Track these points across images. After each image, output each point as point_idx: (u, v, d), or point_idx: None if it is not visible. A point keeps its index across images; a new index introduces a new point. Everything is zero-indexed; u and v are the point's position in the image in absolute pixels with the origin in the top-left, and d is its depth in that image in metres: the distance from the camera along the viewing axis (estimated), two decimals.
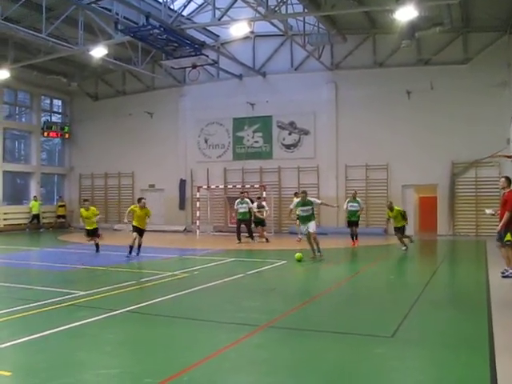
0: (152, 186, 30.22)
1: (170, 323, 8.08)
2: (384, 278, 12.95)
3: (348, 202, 19.90)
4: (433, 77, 23.76)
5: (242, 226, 21.45)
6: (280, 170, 27.25)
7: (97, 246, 17.68)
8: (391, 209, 17.77)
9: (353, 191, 21.35)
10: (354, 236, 19.60)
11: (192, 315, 8.51)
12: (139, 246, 16.47)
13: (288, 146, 27.32)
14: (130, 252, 16.10)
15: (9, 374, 5.59)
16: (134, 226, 16.50)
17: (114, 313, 8.41)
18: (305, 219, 15.49)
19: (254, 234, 21.68)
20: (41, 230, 29.16)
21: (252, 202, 21.85)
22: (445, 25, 20.61)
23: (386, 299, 9.92)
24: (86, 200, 19.12)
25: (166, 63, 22.73)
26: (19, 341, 6.74)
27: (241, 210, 21.47)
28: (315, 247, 15.39)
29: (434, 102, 23.87)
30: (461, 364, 5.98)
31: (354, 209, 19.61)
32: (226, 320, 8.17)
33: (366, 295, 10.54)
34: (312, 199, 15.98)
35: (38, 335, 6.98)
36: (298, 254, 14.89)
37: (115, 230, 28.75)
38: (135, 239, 16.27)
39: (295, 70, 27.11)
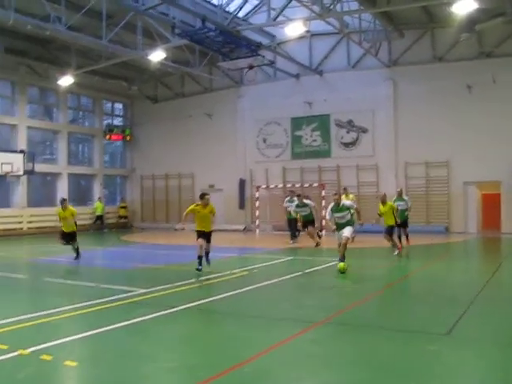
0: (212, 186, 30.56)
1: (228, 320, 8.22)
2: (442, 276, 12.72)
3: (394, 201, 17.46)
4: (495, 70, 23.05)
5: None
6: (339, 168, 27.08)
7: (77, 250, 15.70)
8: (383, 202, 16.25)
9: (398, 189, 19.50)
10: (400, 237, 17.39)
11: (250, 312, 8.65)
12: (207, 253, 13.03)
13: (346, 145, 27.15)
14: (200, 263, 12.74)
15: (75, 364, 5.91)
16: (197, 231, 13.04)
17: (174, 310, 8.60)
18: (342, 226, 13.09)
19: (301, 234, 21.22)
20: (104, 231, 29.96)
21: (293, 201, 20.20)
22: (507, 15, 19.99)
23: (443, 297, 9.75)
24: (64, 199, 16.64)
25: (222, 65, 22.97)
26: (84, 334, 7.07)
27: (289, 209, 20.73)
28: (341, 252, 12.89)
29: (497, 96, 23.17)
30: None
31: (400, 208, 17.52)
32: (283, 316, 8.25)
33: (423, 293, 10.42)
34: (348, 204, 13.41)
35: (101, 330, 7.27)
36: (341, 264, 12.68)
37: (176, 229, 29.28)
38: (202, 246, 12.83)
39: (352, 67, 26.89)
